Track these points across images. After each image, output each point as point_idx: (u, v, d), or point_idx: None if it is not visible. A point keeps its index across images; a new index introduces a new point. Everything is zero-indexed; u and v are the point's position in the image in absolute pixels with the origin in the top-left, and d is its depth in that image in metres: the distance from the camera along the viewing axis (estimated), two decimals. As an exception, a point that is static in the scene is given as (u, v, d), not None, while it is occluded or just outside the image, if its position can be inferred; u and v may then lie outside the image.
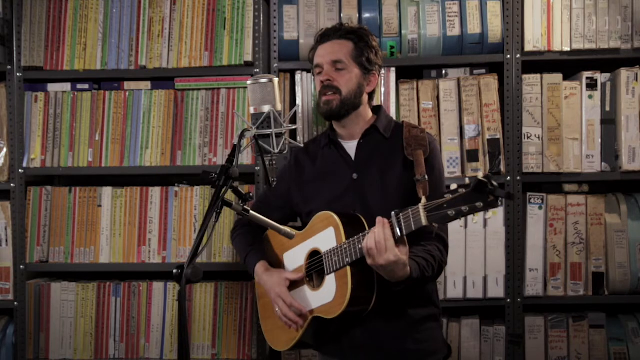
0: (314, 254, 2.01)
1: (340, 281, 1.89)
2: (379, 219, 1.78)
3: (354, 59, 2.07)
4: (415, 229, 1.72)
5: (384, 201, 1.98)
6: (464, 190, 1.60)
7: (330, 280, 1.93)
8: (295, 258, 2.09)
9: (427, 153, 1.99)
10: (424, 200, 1.69)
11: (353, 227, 1.89)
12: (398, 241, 1.76)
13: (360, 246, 1.81)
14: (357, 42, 2.08)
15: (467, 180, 1.62)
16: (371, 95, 2.14)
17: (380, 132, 2.10)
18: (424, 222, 1.68)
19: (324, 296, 1.95)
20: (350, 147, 2.11)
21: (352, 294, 1.85)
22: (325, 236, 1.96)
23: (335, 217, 1.93)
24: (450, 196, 1.62)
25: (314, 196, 2.11)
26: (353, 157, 2.10)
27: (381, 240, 1.75)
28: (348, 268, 1.86)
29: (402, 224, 1.74)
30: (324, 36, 2.12)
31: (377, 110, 2.17)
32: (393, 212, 1.76)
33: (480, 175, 1.59)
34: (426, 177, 1.91)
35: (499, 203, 1.58)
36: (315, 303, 1.98)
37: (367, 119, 2.13)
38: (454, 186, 1.63)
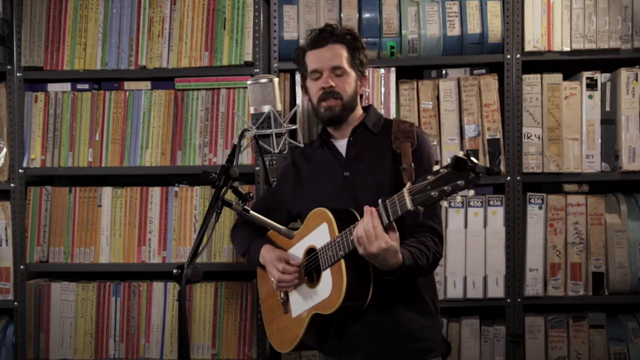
0: (311, 251, 2.02)
1: (335, 275, 1.90)
2: (366, 208, 1.80)
3: (349, 63, 2.11)
4: (402, 213, 1.72)
5: (375, 196, 1.99)
6: (445, 170, 1.60)
7: (326, 275, 1.94)
8: (294, 257, 2.09)
9: (414, 145, 2.02)
10: (408, 185, 1.70)
11: (346, 221, 1.90)
12: (387, 228, 1.77)
13: (351, 238, 1.82)
14: (349, 46, 2.12)
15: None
16: (361, 95, 2.19)
17: (368, 129, 2.12)
18: (409, 206, 1.68)
19: (322, 292, 1.95)
20: (341, 145, 2.14)
21: (348, 287, 1.85)
22: (320, 232, 1.97)
23: (328, 212, 1.95)
24: (432, 177, 1.63)
25: (308, 196, 2.13)
26: (344, 155, 2.12)
27: (370, 228, 1.76)
28: (342, 262, 1.87)
29: (389, 210, 1.75)
30: (319, 40, 2.13)
31: (367, 108, 2.20)
32: (379, 200, 1.78)
33: (460, 153, 1.59)
34: (412, 165, 1.93)
35: (480, 179, 1.59)
36: (314, 300, 1.98)
37: (357, 117, 2.17)
38: (435, 168, 1.64)
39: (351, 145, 2.12)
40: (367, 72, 2.19)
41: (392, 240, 1.77)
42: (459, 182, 1.58)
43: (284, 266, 2.03)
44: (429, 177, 1.64)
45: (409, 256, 1.86)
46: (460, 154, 1.57)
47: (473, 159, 1.57)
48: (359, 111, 2.18)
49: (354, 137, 2.13)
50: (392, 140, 2.05)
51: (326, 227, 1.95)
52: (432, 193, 1.62)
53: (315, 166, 2.18)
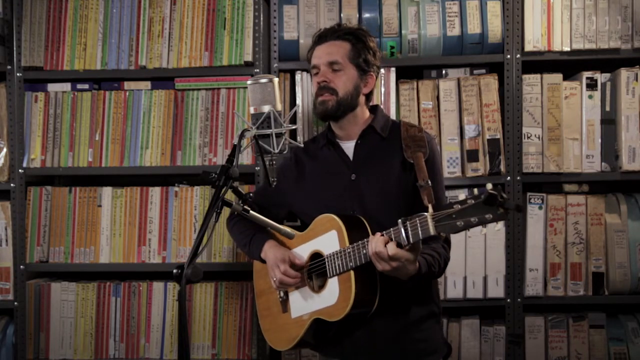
0: (316, 256, 2.01)
1: (343, 284, 1.89)
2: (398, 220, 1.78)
3: (350, 60, 2.07)
4: (423, 237, 1.71)
5: (382, 202, 1.98)
6: (473, 202, 1.59)
7: (332, 283, 1.93)
8: (298, 258, 2.08)
9: (427, 154, 2.00)
10: (431, 209, 1.68)
11: (356, 231, 1.89)
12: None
13: (365, 251, 1.81)
14: (354, 43, 2.08)
15: (475, 191, 1.62)
16: (369, 96, 2.14)
17: (377, 132, 2.10)
18: (432, 231, 1.67)
19: (327, 299, 1.95)
20: (348, 147, 2.12)
21: (356, 297, 1.85)
22: (328, 239, 1.95)
23: (338, 220, 1.93)
24: (459, 207, 1.61)
25: (312, 196, 2.12)
26: (351, 157, 2.10)
27: (382, 250, 1.76)
28: (352, 272, 1.86)
29: (409, 233, 1.72)
30: (322, 37, 2.12)
31: (374, 109, 2.17)
32: (400, 220, 1.75)
33: (489, 186, 1.58)
34: (429, 182, 1.90)
35: (508, 215, 1.58)
36: (317, 305, 1.98)
37: (364, 119, 2.13)
38: (462, 196, 1.63)
39: (359, 147, 2.10)
40: (375, 72, 2.12)
41: (410, 254, 1.76)
42: (486, 216, 1.58)
43: (286, 269, 2.01)
44: (455, 206, 1.62)
45: (425, 264, 1.86)
46: (490, 186, 1.57)
47: (504, 194, 1.56)
48: (364, 113, 2.14)
49: (362, 140, 2.10)
50: (402, 147, 2.03)
51: (335, 234, 1.93)
52: (458, 223, 1.62)
53: (320, 165, 2.15)
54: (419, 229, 1.70)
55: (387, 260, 1.75)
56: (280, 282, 2.03)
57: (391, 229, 1.78)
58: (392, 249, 1.74)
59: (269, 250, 2.09)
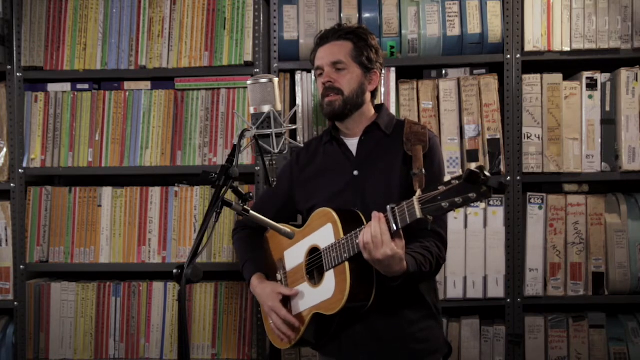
0: (314, 251, 2.02)
1: (339, 277, 1.90)
2: (374, 214, 1.79)
3: (353, 59, 2.09)
4: (411, 222, 1.72)
5: (384, 198, 1.99)
6: (457, 182, 1.60)
7: (329, 276, 1.94)
8: (295, 255, 2.09)
9: (426, 148, 2.00)
10: (418, 192, 1.70)
11: (351, 223, 1.90)
12: (394, 235, 1.77)
13: (357, 241, 1.82)
14: (356, 42, 2.10)
15: (460, 172, 1.62)
16: (374, 93, 2.16)
17: (381, 129, 2.11)
18: (418, 214, 1.68)
19: (324, 292, 1.95)
20: (352, 143, 2.13)
21: (351, 289, 1.86)
22: (324, 232, 1.96)
23: (333, 213, 1.94)
24: (444, 188, 1.62)
25: (315, 192, 2.12)
26: (354, 153, 2.11)
27: (377, 234, 1.76)
28: (346, 264, 1.87)
29: (398, 218, 1.74)
30: (323, 38, 2.13)
31: (379, 108, 2.18)
32: (388, 207, 1.77)
33: (472, 166, 1.59)
34: (423, 171, 1.91)
35: (492, 193, 1.58)
36: (316, 300, 1.99)
37: (369, 117, 2.15)
38: (447, 178, 1.64)
39: (362, 144, 2.11)
40: (379, 69, 2.14)
41: (398, 248, 1.76)
42: (470, 195, 1.58)
43: (285, 315, 2.03)
44: (440, 187, 1.63)
45: (413, 263, 1.85)
46: (473, 166, 1.57)
47: (486, 172, 1.56)
48: (369, 110, 2.15)
49: (366, 137, 2.11)
50: (404, 142, 2.04)
51: (331, 227, 1.94)
52: (443, 204, 1.62)
53: (323, 161, 2.17)
54: (406, 212, 1.71)
55: (381, 247, 1.75)
56: (277, 328, 2.08)
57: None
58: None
59: (257, 288, 2.14)
